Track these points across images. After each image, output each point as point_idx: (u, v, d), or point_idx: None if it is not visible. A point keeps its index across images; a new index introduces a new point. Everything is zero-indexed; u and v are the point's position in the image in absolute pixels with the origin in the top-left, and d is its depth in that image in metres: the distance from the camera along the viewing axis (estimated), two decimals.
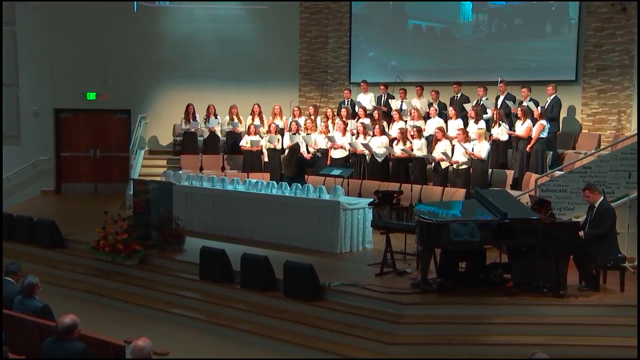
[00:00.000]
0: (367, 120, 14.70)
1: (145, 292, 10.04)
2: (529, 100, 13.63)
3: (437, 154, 13.24)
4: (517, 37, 15.41)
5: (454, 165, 12.99)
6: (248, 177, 13.30)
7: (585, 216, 9.34)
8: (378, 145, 13.99)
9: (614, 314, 8.32)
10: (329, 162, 14.44)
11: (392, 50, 16.79)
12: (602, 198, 9.01)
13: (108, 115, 17.49)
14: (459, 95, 14.85)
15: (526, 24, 15.37)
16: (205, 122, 15.83)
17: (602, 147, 13.17)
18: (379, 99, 15.65)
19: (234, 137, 15.76)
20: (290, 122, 15.12)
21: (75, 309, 8.13)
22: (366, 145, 14.06)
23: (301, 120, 15.31)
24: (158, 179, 13.11)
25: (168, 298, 9.80)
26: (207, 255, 9.89)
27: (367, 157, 14.20)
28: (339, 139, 14.47)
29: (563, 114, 14.23)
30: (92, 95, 17.25)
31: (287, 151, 13.86)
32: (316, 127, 15.11)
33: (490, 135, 13.41)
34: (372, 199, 10.67)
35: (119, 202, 14.89)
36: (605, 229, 8.84)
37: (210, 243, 10.62)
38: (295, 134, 14.83)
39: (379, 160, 14.02)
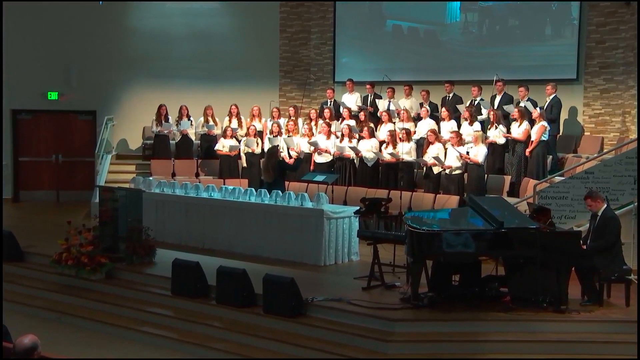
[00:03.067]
0: (352, 122, 14.73)
1: (112, 309, 9.97)
2: (527, 100, 13.69)
3: (428, 158, 13.25)
4: (512, 40, 15.17)
5: (447, 171, 13.03)
6: (224, 184, 13.30)
7: (587, 225, 9.40)
8: (367, 148, 14.02)
9: (618, 330, 8.35)
10: (312, 168, 14.45)
11: (369, 55, 16.55)
12: (605, 205, 9.05)
13: (71, 116, 17.41)
14: (451, 95, 14.90)
15: (522, 26, 15.11)
16: (176, 125, 15.78)
17: (605, 150, 13.28)
18: (365, 99, 15.67)
19: (209, 141, 15.73)
20: (272, 124, 15.12)
21: (35, 328, 8.06)
22: (354, 149, 14.07)
23: (282, 122, 15.30)
24: (126, 185, 13.06)
25: (137, 315, 9.74)
26: (180, 269, 9.85)
27: (355, 161, 14.21)
28: (322, 143, 14.47)
29: (563, 115, 14.32)
30: (53, 95, 17.17)
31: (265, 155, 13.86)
32: (298, 129, 15.11)
33: (486, 137, 13.46)
34: (358, 207, 10.68)
35: (84, 211, 14.81)
36: (609, 240, 8.85)
37: (183, 255, 10.55)
38: (276, 137, 14.82)
39: (369, 165, 14.04)
